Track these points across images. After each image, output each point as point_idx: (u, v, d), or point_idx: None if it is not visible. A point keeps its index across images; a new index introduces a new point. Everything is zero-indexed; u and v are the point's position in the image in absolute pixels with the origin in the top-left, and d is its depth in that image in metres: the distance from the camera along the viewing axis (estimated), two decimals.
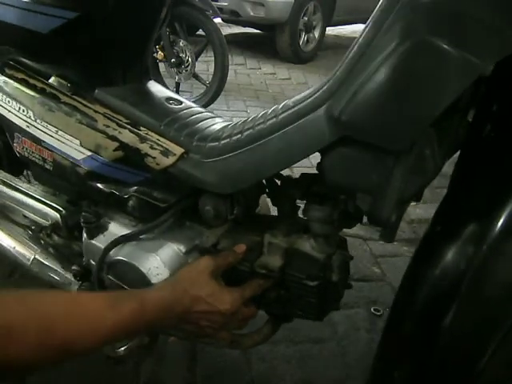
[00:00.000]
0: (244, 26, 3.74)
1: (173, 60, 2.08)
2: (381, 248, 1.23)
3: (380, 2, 0.37)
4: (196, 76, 2.22)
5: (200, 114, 0.62)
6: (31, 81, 0.63)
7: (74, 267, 0.69)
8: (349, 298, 1.04)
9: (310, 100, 0.43)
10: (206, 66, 2.67)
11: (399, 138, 0.37)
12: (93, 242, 0.63)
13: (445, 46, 0.33)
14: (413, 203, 1.58)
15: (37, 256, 0.74)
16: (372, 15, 0.38)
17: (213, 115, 0.64)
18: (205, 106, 2.14)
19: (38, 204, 0.71)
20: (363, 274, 1.14)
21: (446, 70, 0.34)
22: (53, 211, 0.69)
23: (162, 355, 0.85)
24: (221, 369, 0.85)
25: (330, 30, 3.71)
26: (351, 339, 0.94)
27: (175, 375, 0.82)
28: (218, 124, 0.59)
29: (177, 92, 2.21)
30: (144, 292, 0.47)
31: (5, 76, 0.64)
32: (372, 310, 1.02)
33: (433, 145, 0.40)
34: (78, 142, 0.60)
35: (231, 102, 2.39)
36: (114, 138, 0.58)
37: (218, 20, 2.54)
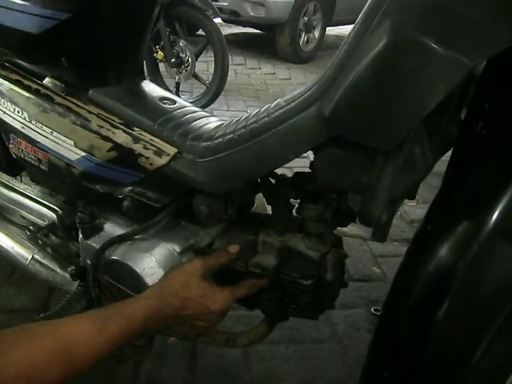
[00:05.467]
0: (244, 26, 3.75)
1: (173, 60, 2.09)
2: (381, 248, 1.23)
3: (369, 1, 0.37)
4: (196, 76, 2.22)
5: (194, 114, 0.61)
6: (26, 82, 0.63)
7: (70, 267, 0.70)
8: (349, 298, 1.03)
9: (301, 99, 0.43)
10: (206, 65, 2.67)
11: (388, 137, 0.37)
12: (88, 242, 0.63)
13: (433, 45, 0.33)
14: (412, 203, 1.57)
15: (34, 256, 0.74)
16: (361, 14, 0.37)
17: (207, 114, 0.64)
18: (205, 106, 2.15)
19: (35, 204, 0.72)
20: (363, 274, 1.13)
21: (435, 68, 0.34)
22: (49, 211, 0.70)
23: (162, 355, 0.85)
24: (221, 369, 0.85)
25: (330, 30, 3.70)
26: (351, 339, 0.93)
27: (175, 375, 0.82)
28: (211, 123, 0.59)
29: (177, 92, 2.21)
30: (131, 304, 0.47)
31: None
32: (372, 310, 1.02)
33: (423, 143, 0.39)
34: (72, 142, 0.60)
35: (231, 102, 2.40)
36: (107, 139, 0.58)
37: (218, 20, 2.54)
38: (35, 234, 0.75)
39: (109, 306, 0.46)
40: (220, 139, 0.51)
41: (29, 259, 0.74)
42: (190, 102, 0.68)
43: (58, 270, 0.73)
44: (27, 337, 0.38)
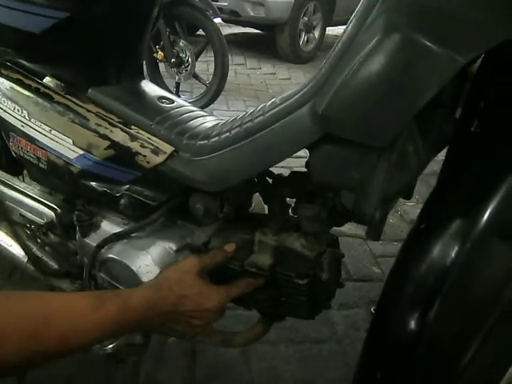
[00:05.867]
0: (244, 26, 3.75)
1: (173, 60, 2.09)
2: (381, 248, 1.23)
3: (362, 0, 0.37)
4: (196, 76, 2.23)
5: (191, 113, 0.62)
6: (26, 81, 0.63)
7: (68, 265, 0.70)
8: (349, 298, 1.03)
9: (295, 97, 0.43)
10: (206, 65, 2.68)
11: (380, 135, 0.37)
12: (86, 240, 0.63)
13: (425, 42, 0.33)
14: (412, 203, 1.57)
15: (33, 254, 0.74)
16: (355, 12, 0.38)
17: (204, 113, 0.64)
18: (205, 106, 2.15)
19: (34, 203, 0.72)
20: (363, 274, 1.13)
21: (427, 65, 0.34)
22: (48, 210, 0.70)
23: (162, 355, 0.85)
24: (220, 369, 0.85)
25: (330, 30, 3.71)
26: (351, 339, 0.93)
27: (174, 375, 0.82)
28: (208, 122, 0.60)
29: (177, 92, 2.21)
30: (129, 291, 0.47)
31: (0, 76, 0.65)
32: (372, 310, 1.02)
33: (416, 141, 0.39)
34: (70, 141, 0.60)
35: (231, 102, 2.40)
36: (105, 137, 0.58)
37: (218, 20, 2.54)
38: (34, 233, 0.75)
39: (107, 290, 0.46)
40: (216, 138, 0.51)
41: (27, 257, 0.74)
42: (190, 102, 0.69)
43: (55, 268, 0.73)
44: (24, 296, 0.38)
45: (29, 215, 0.74)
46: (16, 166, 0.80)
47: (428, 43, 0.33)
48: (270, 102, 0.48)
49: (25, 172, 0.84)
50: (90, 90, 0.61)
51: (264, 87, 2.72)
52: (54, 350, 0.37)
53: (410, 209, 1.43)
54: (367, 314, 1.01)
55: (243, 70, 3.03)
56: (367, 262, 1.18)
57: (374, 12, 0.35)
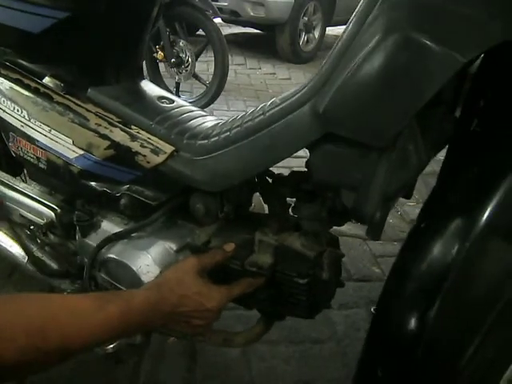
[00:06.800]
0: (244, 26, 3.75)
1: (173, 60, 2.09)
2: (381, 248, 1.23)
3: (362, 0, 0.37)
4: (196, 76, 2.23)
5: (191, 113, 0.62)
6: (26, 81, 0.63)
7: (68, 265, 0.70)
8: (349, 298, 1.03)
9: (296, 97, 0.43)
10: (206, 65, 2.68)
11: (381, 133, 0.37)
12: (86, 240, 0.63)
13: (425, 41, 0.33)
14: (412, 203, 1.57)
15: (33, 254, 0.74)
16: (355, 11, 0.38)
17: (204, 113, 0.64)
18: (205, 106, 2.15)
19: (34, 203, 0.72)
20: (363, 274, 1.13)
21: (427, 64, 0.34)
22: (48, 210, 0.70)
23: (162, 355, 0.85)
24: (220, 369, 0.85)
25: (330, 30, 3.71)
26: (351, 339, 0.93)
27: (175, 375, 0.82)
28: (208, 122, 0.60)
29: (177, 92, 2.21)
30: (131, 292, 0.47)
31: (0, 76, 0.65)
32: (372, 310, 1.01)
33: (416, 140, 0.39)
34: (70, 141, 0.60)
35: (231, 101, 2.40)
36: (105, 137, 0.58)
37: (218, 20, 2.55)
38: (34, 233, 0.75)
39: (109, 291, 0.46)
40: (216, 138, 0.51)
41: (27, 258, 0.74)
42: (190, 102, 0.69)
43: (56, 268, 0.73)
44: (28, 297, 0.39)
45: (29, 215, 0.74)
46: (16, 167, 0.80)
47: (428, 42, 0.33)
48: (270, 102, 0.48)
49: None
50: (89, 90, 0.61)
51: (264, 87, 2.72)
52: (57, 349, 0.37)
53: (409, 209, 1.43)
54: (367, 313, 1.01)
55: (243, 69, 3.03)
56: (367, 262, 1.18)
57: (375, 11, 0.35)
